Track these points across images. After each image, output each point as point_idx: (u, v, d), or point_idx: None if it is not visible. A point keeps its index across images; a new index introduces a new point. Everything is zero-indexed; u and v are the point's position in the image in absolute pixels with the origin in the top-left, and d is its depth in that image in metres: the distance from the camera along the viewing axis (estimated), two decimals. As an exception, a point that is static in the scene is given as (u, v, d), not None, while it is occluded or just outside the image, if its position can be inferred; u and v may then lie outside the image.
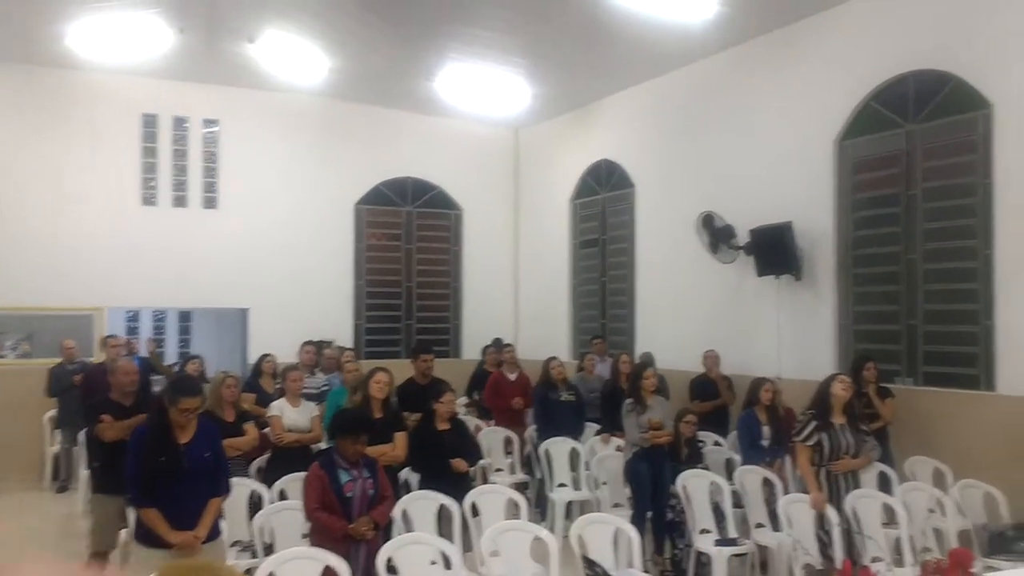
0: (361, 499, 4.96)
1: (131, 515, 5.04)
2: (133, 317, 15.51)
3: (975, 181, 7.46)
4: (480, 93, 11.16)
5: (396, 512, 5.48)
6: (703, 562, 6.45)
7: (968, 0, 7.50)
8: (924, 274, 7.92)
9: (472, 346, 13.03)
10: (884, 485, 6.64)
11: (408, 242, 13.58)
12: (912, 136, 8.05)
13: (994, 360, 7.28)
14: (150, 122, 12.06)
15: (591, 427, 8.98)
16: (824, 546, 5.72)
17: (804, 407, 6.25)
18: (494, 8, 8.96)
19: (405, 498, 5.79)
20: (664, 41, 9.39)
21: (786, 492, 6.53)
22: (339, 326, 12.58)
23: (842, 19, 8.61)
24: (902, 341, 8.11)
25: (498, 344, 10.74)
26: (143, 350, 11.35)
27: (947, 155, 7.74)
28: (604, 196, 12.26)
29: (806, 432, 5.94)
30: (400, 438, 6.32)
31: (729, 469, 7.49)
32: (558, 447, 8.31)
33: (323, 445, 6.66)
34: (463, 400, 10.20)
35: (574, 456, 8.29)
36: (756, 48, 9.60)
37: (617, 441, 8.06)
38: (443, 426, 6.44)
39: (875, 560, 5.58)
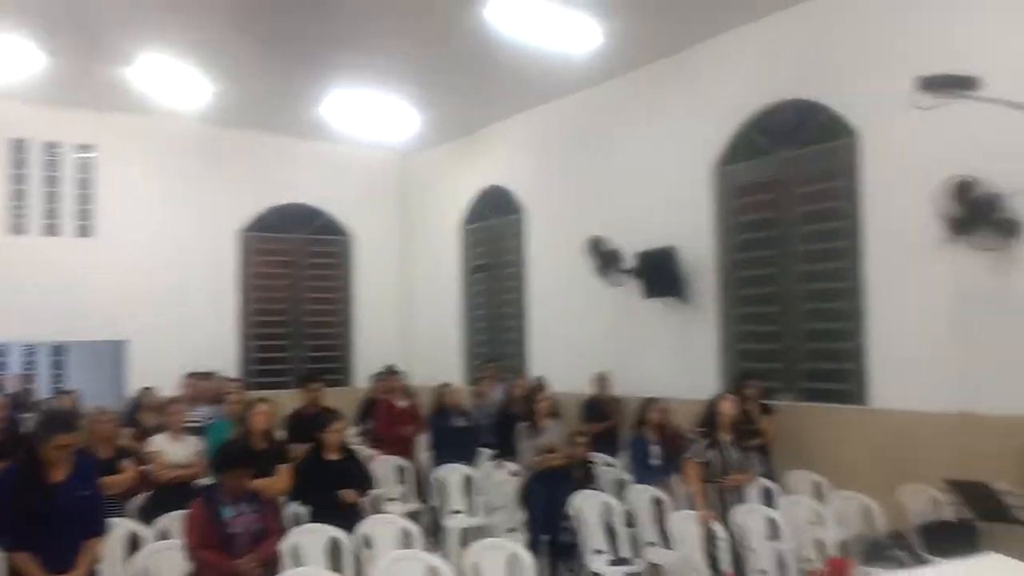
0: (246, 535, 4.80)
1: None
2: (0, 352, 14.66)
3: (845, 205, 7.84)
4: (368, 119, 11.09)
5: (285, 547, 5.32)
6: (597, 584, 6.49)
7: (834, 35, 7.92)
8: (801, 295, 8.26)
9: (365, 374, 12.85)
10: (767, 499, 6.84)
11: (297, 269, 13.33)
12: (786, 163, 8.42)
13: (866, 375, 7.63)
14: (18, 147, 11.49)
15: (486, 452, 8.96)
16: (713, 561, 5.85)
17: (693, 425, 6.41)
18: (380, 35, 8.94)
19: (294, 532, 5.63)
20: (551, 70, 9.56)
21: (676, 510, 6.66)
22: (225, 357, 12.18)
23: (719, 51, 8.97)
24: (782, 359, 8.42)
25: (388, 371, 10.63)
26: (9, 387, 10.72)
27: (819, 181, 8.13)
28: (494, 221, 12.35)
29: (696, 449, 6.09)
30: (283, 470, 6.16)
31: (621, 489, 7.58)
32: (452, 474, 8.25)
33: (207, 480, 6.43)
34: (355, 429, 10.02)
35: (469, 482, 8.25)
36: (640, 77, 9.89)
37: (512, 466, 8.07)
38: (333, 456, 6.31)
39: (760, 573, 5.74)
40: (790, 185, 8.39)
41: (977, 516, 5.54)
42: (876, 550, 6.20)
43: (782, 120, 8.43)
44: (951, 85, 5.48)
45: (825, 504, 6.73)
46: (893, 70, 6.97)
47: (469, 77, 10.16)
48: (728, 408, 6.15)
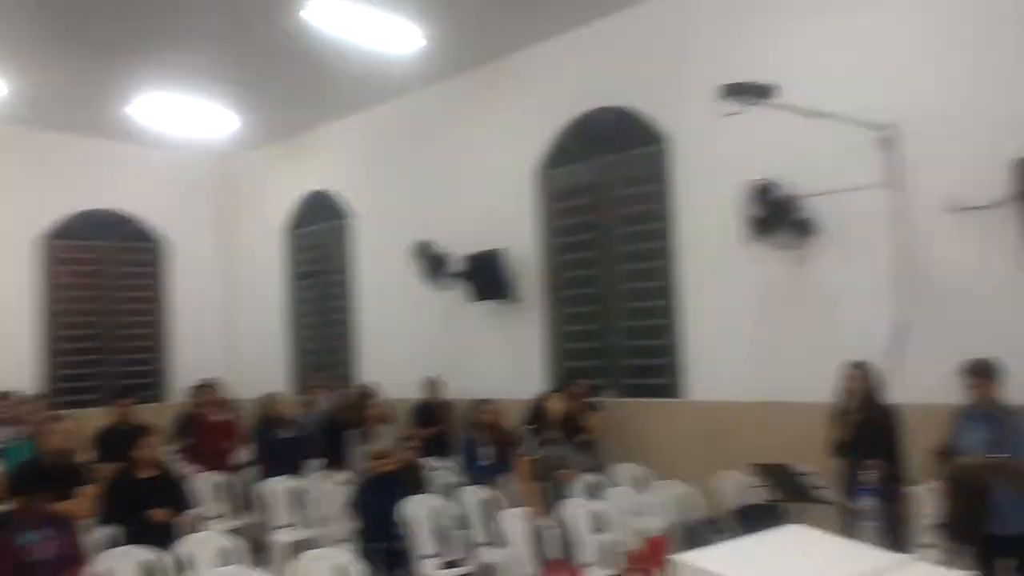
0: (48, 563, 4.45)
1: None
2: None
3: (659, 208, 8.21)
4: (183, 120, 10.59)
5: (98, 570, 4.97)
6: (430, 587, 6.47)
7: (649, 43, 8.28)
8: (621, 294, 8.57)
9: (185, 387, 12.23)
10: (594, 492, 7.04)
11: (106, 278, 12.53)
12: (605, 167, 8.72)
13: (682, 370, 8.01)
14: None
15: (315, 463, 8.73)
16: (542, 555, 5.96)
17: (522, 423, 6.50)
18: (193, 35, 8.56)
19: (105, 555, 5.28)
20: (374, 72, 9.47)
21: (506, 508, 6.73)
22: (27, 373, 11.30)
23: (541, 57, 9.18)
24: (605, 357, 8.70)
25: (204, 384, 10.17)
26: None
27: (635, 184, 8.47)
28: (321, 227, 12.09)
29: (529, 446, 6.19)
30: (85, 492, 5.77)
31: (453, 492, 7.58)
32: (278, 486, 7.99)
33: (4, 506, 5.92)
34: (172, 446, 9.52)
35: (296, 495, 8.02)
36: (464, 81, 9.96)
37: (341, 475, 7.90)
38: (146, 474, 5.97)
39: (587, 564, 5.90)
40: (609, 189, 8.69)
41: (782, 497, 5.91)
42: (695, 535, 6.50)
43: (600, 126, 8.72)
44: (751, 93, 5.83)
45: (648, 494, 7.00)
46: (701, 78, 7.34)
47: (290, 79, 9.91)
48: (555, 405, 6.30)
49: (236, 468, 8.79)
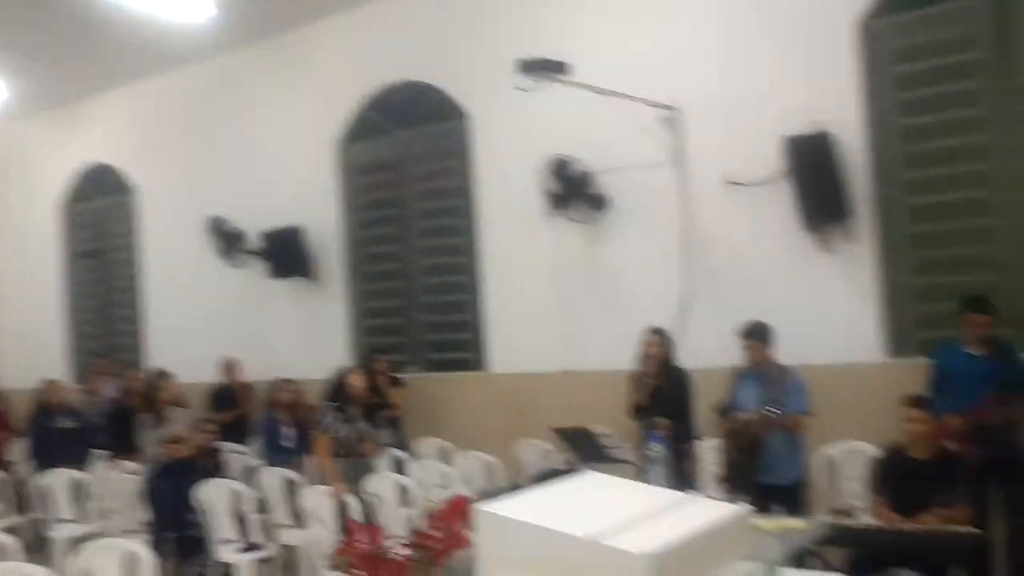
0: None
1: None
2: None
3: (460, 184, 8.28)
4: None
5: None
6: (229, 574, 6.25)
7: (447, 18, 8.29)
8: (423, 270, 8.59)
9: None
10: (398, 468, 7.05)
11: None
12: (405, 142, 8.68)
13: (485, 344, 8.15)
14: None
15: (100, 453, 8.19)
16: (346, 532, 5.90)
17: (322, 400, 6.39)
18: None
19: None
20: (161, 39, 8.91)
21: (309, 488, 6.60)
22: None
23: (338, 29, 8.97)
24: (408, 333, 8.71)
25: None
26: None
27: (435, 160, 8.51)
28: (102, 202, 11.28)
29: (327, 424, 6.08)
30: None
31: (253, 476, 7.35)
32: (58, 479, 7.43)
33: None
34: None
35: (78, 487, 7.49)
36: (260, 51, 9.58)
37: (130, 464, 7.46)
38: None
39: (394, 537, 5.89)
40: (410, 164, 8.67)
41: (581, 459, 6.15)
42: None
43: (400, 100, 8.67)
44: (544, 69, 5.98)
45: (452, 466, 7.08)
46: (498, 55, 7.42)
47: (66, 43, 9.14)
48: (356, 381, 6.22)
49: (7, 463, 8.10)
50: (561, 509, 2.15)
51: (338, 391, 6.20)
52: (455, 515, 2.59)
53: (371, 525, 2.68)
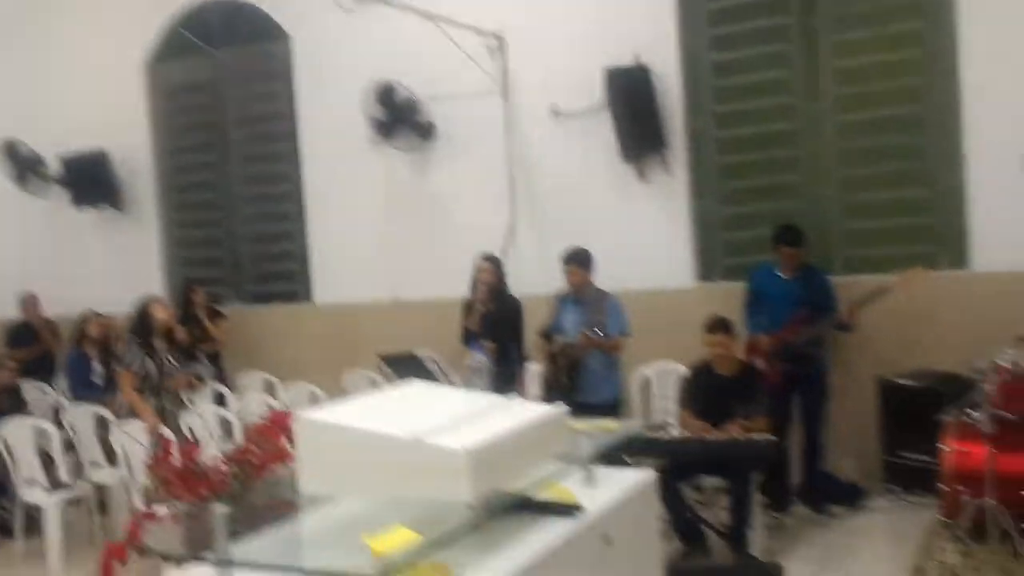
0: None
1: None
2: None
3: (283, 108, 7.97)
4: None
5: None
6: (35, 516, 5.92)
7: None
8: (244, 198, 8.26)
9: None
10: (220, 401, 6.85)
11: None
12: (221, 63, 8.24)
13: (311, 274, 7.97)
14: None
15: None
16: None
17: (125, 334, 6.06)
18: None
19: None
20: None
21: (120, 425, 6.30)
22: None
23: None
24: (229, 264, 8.39)
25: None
26: None
27: (255, 82, 8.14)
28: None
29: (129, 359, 5.78)
30: None
31: (59, 413, 6.94)
32: None
33: None
34: None
35: None
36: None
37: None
38: None
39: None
40: (227, 87, 8.25)
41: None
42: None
43: (214, 18, 8.18)
44: (371, -12, 5.81)
45: (276, 399, 6.95)
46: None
47: None
48: (159, 312, 5.92)
49: None
50: (381, 414, 2.15)
51: (140, 323, 5.88)
52: (275, 430, 2.54)
53: (187, 444, 2.58)
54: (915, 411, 5.35)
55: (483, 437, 2.02)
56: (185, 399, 6.27)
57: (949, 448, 4.72)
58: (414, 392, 2.46)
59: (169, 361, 5.87)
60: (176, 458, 2.38)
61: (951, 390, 5.17)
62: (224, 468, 2.42)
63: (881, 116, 5.98)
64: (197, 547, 1.99)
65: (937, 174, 5.87)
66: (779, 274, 5.81)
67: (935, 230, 5.91)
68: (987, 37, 5.57)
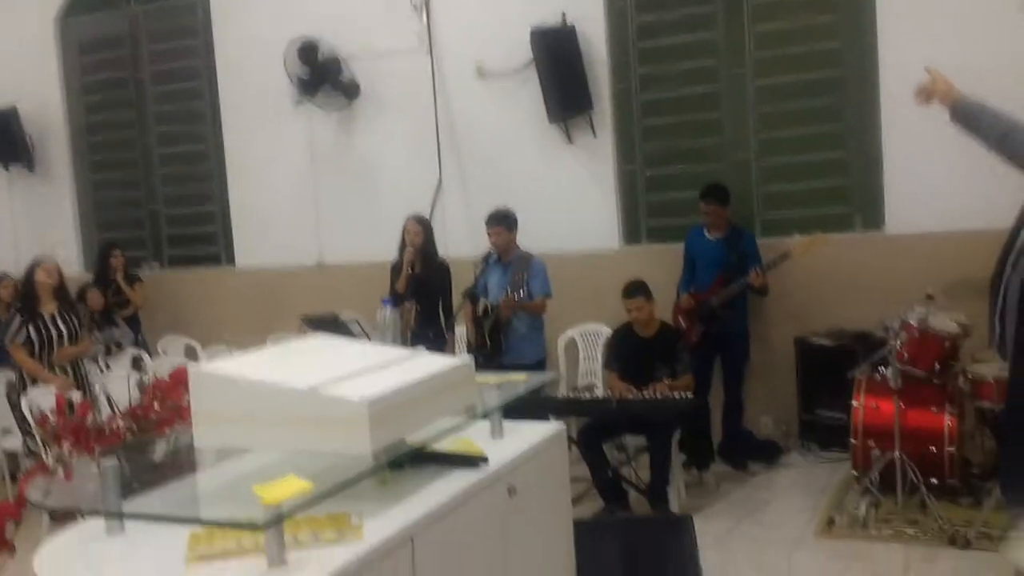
0: None
1: None
2: None
3: (201, 65, 7.74)
4: None
5: None
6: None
7: None
8: (160, 158, 8.03)
9: None
10: (138, 366, 6.67)
11: None
12: (135, 18, 7.96)
13: (231, 238, 7.79)
14: None
15: None
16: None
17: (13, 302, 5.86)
18: None
19: None
20: None
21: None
22: None
23: None
24: (146, 227, 8.16)
25: None
26: None
27: (171, 38, 7.87)
28: None
29: (12, 330, 5.59)
30: None
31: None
32: None
33: None
34: None
35: None
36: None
37: None
38: None
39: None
40: (143, 42, 7.98)
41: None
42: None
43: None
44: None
45: (197, 362, 6.80)
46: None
47: None
48: (44, 277, 5.72)
49: None
50: (280, 367, 2.10)
51: (28, 290, 5.67)
52: (176, 386, 2.47)
53: (83, 401, 2.50)
54: (830, 370, 5.47)
55: (385, 388, 1.98)
56: (101, 363, 6.10)
57: (859, 404, 4.86)
58: (317, 345, 2.41)
59: (57, 328, 5.65)
60: (70, 415, 2.30)
61: (864, 348, 5.31)
62: (120, 424, 2.35)
63: (801, 80, 6.06)
64: (88, 502, 1.93)
65: (854, 138, 5.98)
66: (707, 236, 5.88)
67: (852, 193, 6.04)
68: (904, 2, 5.66)
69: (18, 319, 5.54)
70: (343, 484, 1.82)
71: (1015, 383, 1.63)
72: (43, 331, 5.60)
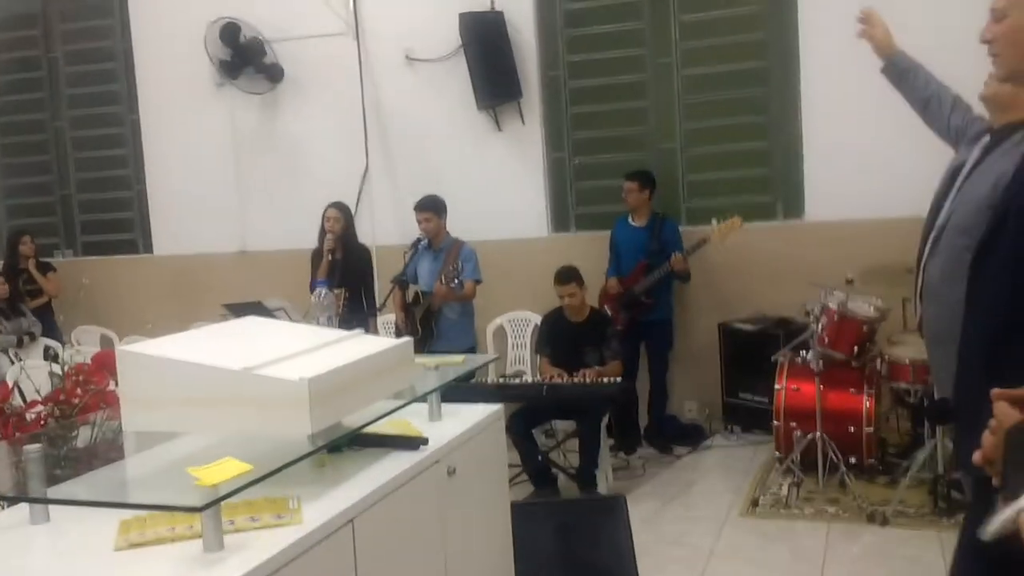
0: None
1: None
2: None
3: (114, 45, 7.48)
4: None
5: None
6: None
7: None
8: (73, 142, 7.73)
9: None
10: (53, 358, 6.41)
11: None
12: (49, -5, 7.65)
13: (148, 224, 7.56)
14: None
15: None
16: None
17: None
18: None
19: None
20: None
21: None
22: None
23: None
24: (58, 212, 7.86)
25: None
26: None
27: (86, 17, 7.58)
28: None
29: None
30: None
31: None
32: None
33: None
34: None
35: None
36: None
37: None
38: None
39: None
40: (55, 21, 7.67)
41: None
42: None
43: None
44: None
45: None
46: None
47: None
48: None
49: None
50: (213, 347, 2.04)
51: None
52: (100, 369, 2.38)
53: (2, 384, 2.39)
54: (752, 354, 5.60)
55: (324, 367, 1.94)
56: (11, 355, 5.85)
57: (781, 387, 4.98)
58: (251, 326, 2.35)
59: None
60: (-15, 401, 2.19)
61: (786, 333, 5.44)
62: (41, 410, 2.25)
63: (726, 71, 6.17)
64: (9, 489, 1.84)
65: (776, 128, 6.12)
66: (632, 223, 5.95)
67: (774, 182, 6.18)
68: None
69: None
70: (283, 466, 1.77)
71: (963, 366, 1.70)
72: None
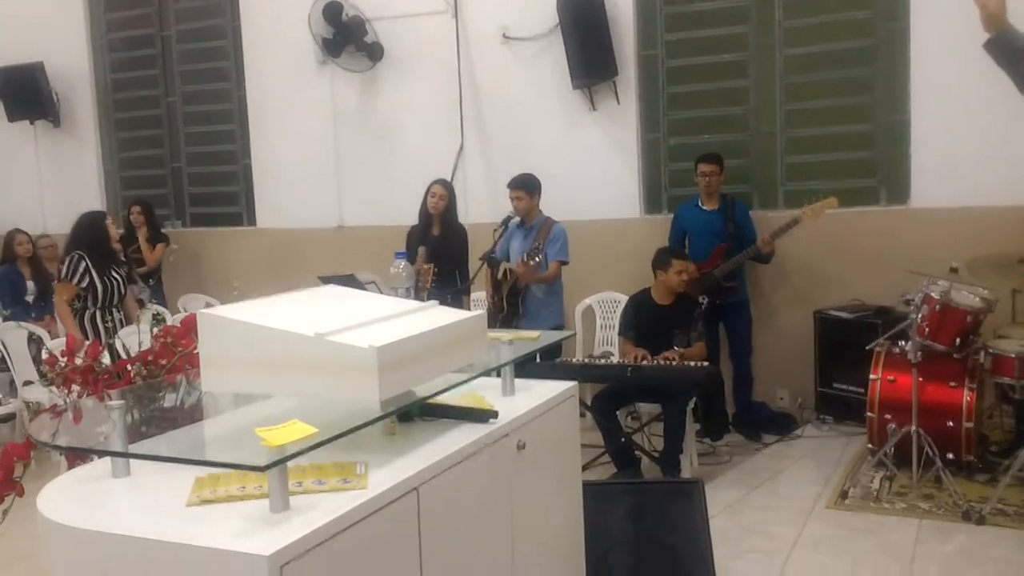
0: None
1: None
2: None
3: (224, 24, 7.72)
4: None
5: None
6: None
7: None
8: (184, 117, 8.03)
9: None
10: (158, 322, 6.71)
11: None
12: (163, -25, 7.95)
13: (252, 198, 7.80)
14: None
15: None
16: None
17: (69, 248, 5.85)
18: None
19: None
20: None
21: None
22: None
23: None
24: (169, 185, 8.19)
25: None
26: None
27: (198, -4, 7.86)
28: None
29: (77, 271, 5.52)
30: None
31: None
32: None
33: None
34: None
35: None
36: None
37: None
38: None
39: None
40: (170, 0, 7.96)
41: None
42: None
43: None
44: None
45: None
46: None
47: None
48: (113, 229, 5.74)
49: None
50: (290, 313, 2.09)
51: (92, 237, 5.65)
52: (187, 333, 2.48)
53: (92, 342, 2.51)
54: (849, 343, 5.43)
55: (394, 336, 1.97)
56: (122, 319, 6.13)
57: (877, 377, 4.81)
58: (331, 294, 2.41)
59: (119, 279, 5.68)
60: (81, 357, 2.32)
61: (884, 322, 5.25)
62: (130, 369, 2.36)
63: (830, 50, 5.95)
64: (94, 443, 1.94)
65: (882, 110, 5.88)
66: (702, 207, 5.83)
67: (878, 166, 5.94)
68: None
69: (80, 262, 5.47)
70: (348, 431, 1.81)
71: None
72: (107, 281, 5.59)
